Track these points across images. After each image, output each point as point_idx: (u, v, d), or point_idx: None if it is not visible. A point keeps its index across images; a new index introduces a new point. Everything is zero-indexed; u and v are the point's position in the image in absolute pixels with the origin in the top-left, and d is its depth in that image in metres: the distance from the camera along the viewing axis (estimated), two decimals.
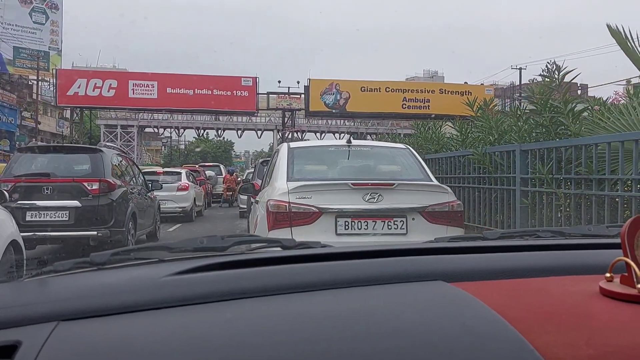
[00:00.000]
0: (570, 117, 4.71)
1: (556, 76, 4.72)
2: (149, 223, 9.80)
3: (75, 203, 7.49)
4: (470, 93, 37.02)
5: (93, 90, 34.01)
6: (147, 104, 35.03)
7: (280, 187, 4.31)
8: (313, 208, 4.12)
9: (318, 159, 5.17)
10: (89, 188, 7.54)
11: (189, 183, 15.94)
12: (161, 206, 12.02)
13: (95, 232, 7.49)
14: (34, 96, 39.99)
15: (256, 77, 35.60)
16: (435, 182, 4.67)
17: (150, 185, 10.28)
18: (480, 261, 0.96)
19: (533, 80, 6.41)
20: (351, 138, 5.06)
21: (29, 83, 42.51)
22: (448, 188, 4.64)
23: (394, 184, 4.32)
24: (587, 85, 43.99)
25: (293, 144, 5.17)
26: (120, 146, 39.03)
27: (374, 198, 4.18)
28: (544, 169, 4.72)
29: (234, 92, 35.13)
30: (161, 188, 11.08)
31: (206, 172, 24.25)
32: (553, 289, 0.83)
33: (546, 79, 4.81)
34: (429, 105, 36.39)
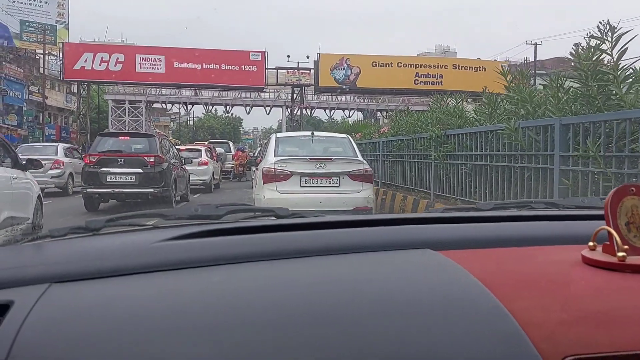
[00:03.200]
0: (623, 85, 4.12)
1: (609, 39, 4.11)
2: (183, 187, 13.05)
3: (139, 170, 10.81)
4: (484, 69, 36.16)
5: (100, 65, 33.49)
6: (154, 79, 34.47)
7: (270, 160, 7.24)
8: (287, 171, 6.98)
9: (293, 143, 8.02)
10: (147, 160, 10.90)
11: (208, 159, 18.17)
12: None
13: (152, 190, 10.75)
14: (41, 70, 39.48)
15: (265, 52, 34.91)
16: (359, 157, 7.57)
17: (183, 160, 13.44)
18: (469, 230, 0.98)
19: (579, 46, 5.75)
20: (314, 131, 8.28)
21: (36, 57, 41.93)
22: (364, 161, 7.56)
23: (332, 158, 7.33)
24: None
25: (279, 135, 8.59)
26: (129, 122, 38.81)
27: (321, 166, 7.04)
28: (593, 146, 4.14)
29: (242, 67, 34.47)
30: (191, 162, 14.25)
31: (216, 149, 24.53)
32: (537, 258, 0.85)
33: (596, 41, 4.19)
34: (441, 81, 35.55)
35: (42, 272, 0.77)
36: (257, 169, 8.06)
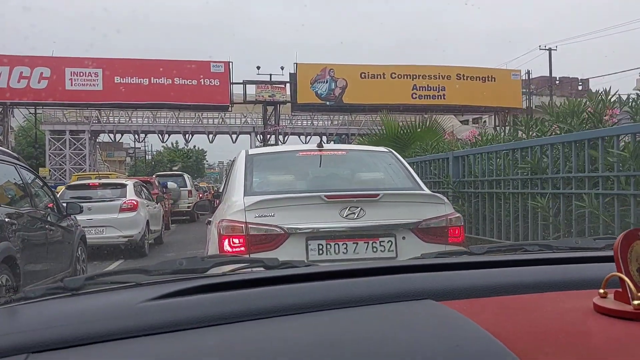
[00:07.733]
0: None
1: None
2: (62, 267, 6.30)
3: None
4: (494, 79, 30.54)
5: (18, 82, 26.57)
6: (90, 98, 27.63)
7: (235, 204, 3.42)
8: (277, 229, 3.24)
9: (283, 167, 4.33)
10: None
11: (139, 200, 10.91)
12: (98, 235, 9.88)
13: None
14: None
15: (229, 62, 28.57)
16: (427, 190, 3.90)
17: (65, 207, 6.85)
18: (469, 278, 0.94)
19: None
20: (322, 142, 4.15)
21: None
22: (444, 198, 3.76)
23: (379, 194, 3.40)
24: (587, 80, 38.56)
25: (252, 150, 4.52)
26: (70, 156, 31.56)
27: (354, 213, 3.31)
28: None
29: (202, 80, 28.07)
30: (81, 211, 7.45)
31: (163, 183, 18.43)
32: (546, 306, 0.82)
33: None
34: (444, 94, 29.84)
35: (18, 342, 0.71)
36: (209, 221, 4.27)
